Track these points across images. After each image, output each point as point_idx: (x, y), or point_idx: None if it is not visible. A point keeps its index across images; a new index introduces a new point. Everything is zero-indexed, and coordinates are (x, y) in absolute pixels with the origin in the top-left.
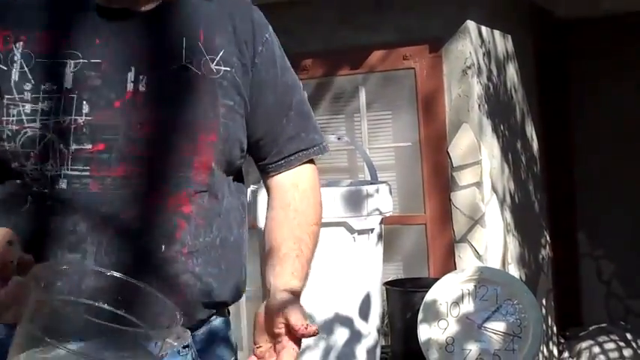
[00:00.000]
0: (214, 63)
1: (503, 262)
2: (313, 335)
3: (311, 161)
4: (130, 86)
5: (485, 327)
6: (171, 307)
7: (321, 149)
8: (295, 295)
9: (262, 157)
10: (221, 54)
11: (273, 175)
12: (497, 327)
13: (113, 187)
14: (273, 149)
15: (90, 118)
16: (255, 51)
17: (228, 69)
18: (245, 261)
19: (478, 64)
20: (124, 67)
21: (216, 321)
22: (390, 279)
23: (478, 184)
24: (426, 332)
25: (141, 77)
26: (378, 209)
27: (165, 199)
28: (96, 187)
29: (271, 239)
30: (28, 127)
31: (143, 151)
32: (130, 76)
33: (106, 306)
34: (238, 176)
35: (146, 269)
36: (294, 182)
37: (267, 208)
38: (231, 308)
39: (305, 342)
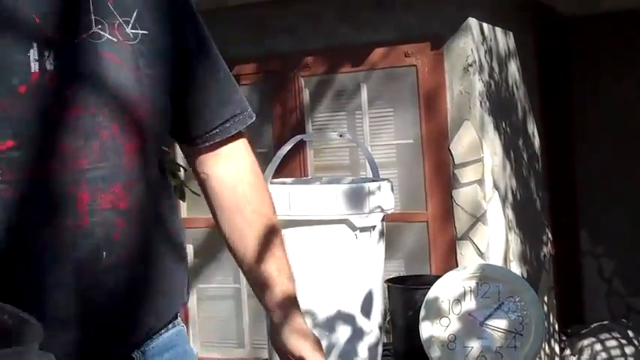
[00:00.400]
0: (130, 26)
1: (505, 260)
2: None
3: (241, 134)
4: (34, 66)
5: (487, 324)
6: (35, 325)
7: (252, 114)
8: (303, 330)
9: (191, 129)
10: (135, 15)
11: (204, 152)
12: (499, 324)
13: (33, 190)
14: (205, 116)
15: None
16: (175, 7)
17: (146, 32)
18: (185, 255)
19: (480, 61)
20: (24, 44)
21: (169, 332)
22: (391, 276)
23: (480, 182)
24: (427, 330)
25: (46, 53)
26: (379, 206)
27: (98, 196)
28: (10, 193)
29: (243, 254)
30: None
31: (64, 143)
32: (33, 53)
33: None
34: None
35: (87, 284)
36: (237, 170)
37: (216, 208)
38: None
39: None
